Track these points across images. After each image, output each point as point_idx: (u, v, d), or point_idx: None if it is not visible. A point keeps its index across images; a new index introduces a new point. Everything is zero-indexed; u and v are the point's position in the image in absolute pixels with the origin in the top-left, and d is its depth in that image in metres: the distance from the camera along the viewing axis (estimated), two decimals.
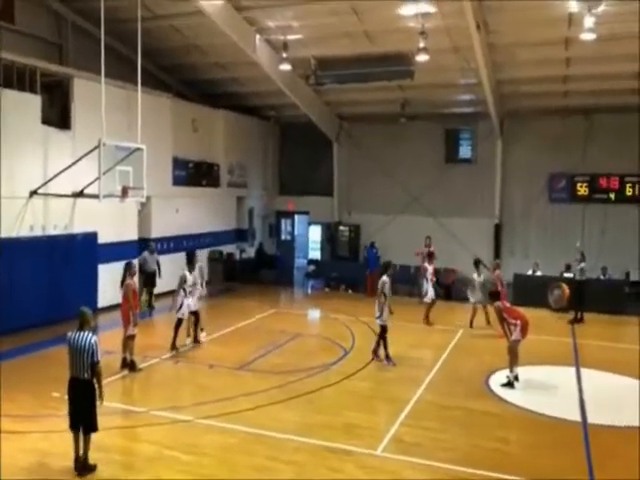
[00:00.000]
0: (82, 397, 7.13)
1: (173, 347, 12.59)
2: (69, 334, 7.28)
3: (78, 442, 7.21)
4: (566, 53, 17.09)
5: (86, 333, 7.19)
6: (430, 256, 16.66)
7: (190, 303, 12.84)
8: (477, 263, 15.80)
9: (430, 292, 15.67)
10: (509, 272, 20.09)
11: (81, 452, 7.19)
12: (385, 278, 12.14)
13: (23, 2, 15.73)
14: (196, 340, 13.25)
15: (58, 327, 11.84)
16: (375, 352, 12.21)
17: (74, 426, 7.20)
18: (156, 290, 16.92)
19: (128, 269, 11.53)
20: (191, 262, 13.11)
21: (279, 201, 26.38)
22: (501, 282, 14.52)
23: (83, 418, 7.16)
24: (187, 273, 12.87)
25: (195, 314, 13.13)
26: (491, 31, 16.03)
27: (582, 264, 16.57)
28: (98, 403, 7.22)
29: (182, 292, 12.69)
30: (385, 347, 12.09)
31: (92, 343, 7.12)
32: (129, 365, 11.17)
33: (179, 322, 12.71)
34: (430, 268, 15.95)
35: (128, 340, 11.22)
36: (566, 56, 17.37)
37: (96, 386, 7.20)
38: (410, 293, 19.09)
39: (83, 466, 7.15)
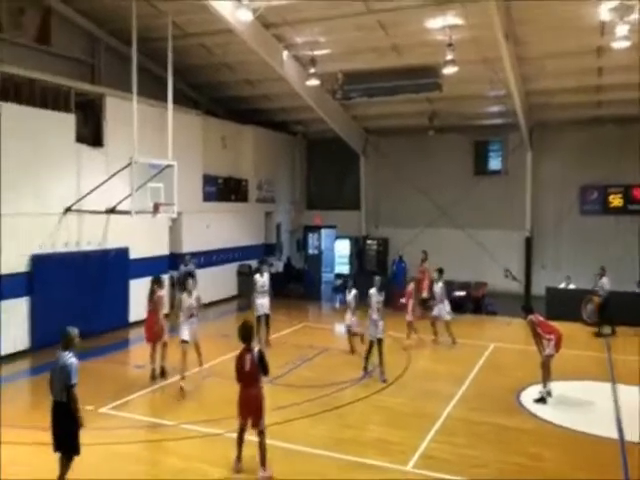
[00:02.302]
0: (61, 420, 6.78)
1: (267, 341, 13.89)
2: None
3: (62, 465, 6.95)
4: (598, 62, 16.88)
5: (66, 353, 6.81)
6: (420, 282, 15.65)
7: (264, 303, 14.02)
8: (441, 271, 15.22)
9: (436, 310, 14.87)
10: (541, 285, 19.78)
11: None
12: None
13: (58, 24, 16.19)
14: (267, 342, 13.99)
15: (89, 342, 11.95)
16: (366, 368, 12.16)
17: (56, 449, 6.90)
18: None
19: (157, 282, 11.85)
20: (261, 266, 14.58)
21: (306, 215, 26.50)
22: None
23: (63, 442, 6.82)
24: (258, 276, 14.17)
25: (266, 316, 14.18)
26: (520, 42, 15.90)
27: (603, 279, 16.29)
28: (79, 427, 6.83)
29: (254, 294, 13.96)
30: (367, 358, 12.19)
31: (69, 364, 6.70)
32: (161, 373, 11.50)
33: (258, 319, 13.75)
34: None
35: (164, 347, 11.56)
36: (598, 65, 17.15)
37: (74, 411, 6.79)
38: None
39: None
